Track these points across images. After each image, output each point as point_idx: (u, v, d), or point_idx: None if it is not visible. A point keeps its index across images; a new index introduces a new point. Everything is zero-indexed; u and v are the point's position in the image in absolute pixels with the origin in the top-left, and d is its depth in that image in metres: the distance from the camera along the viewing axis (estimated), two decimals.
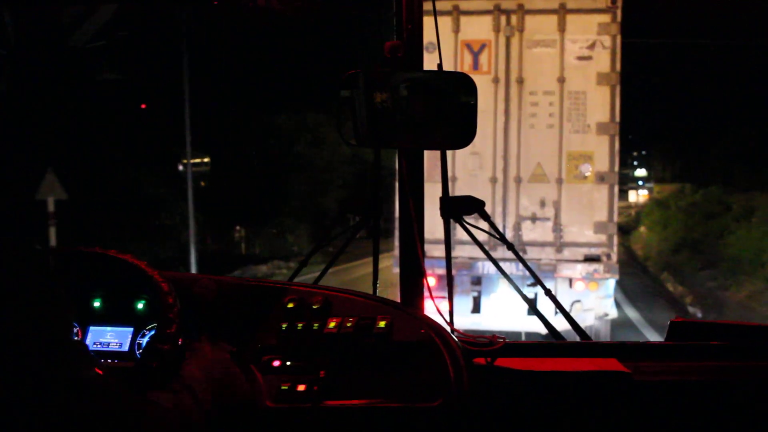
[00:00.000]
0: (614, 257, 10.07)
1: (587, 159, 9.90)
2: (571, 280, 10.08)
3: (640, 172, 63.07)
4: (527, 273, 2.58)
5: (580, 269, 9.99)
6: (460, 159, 9.93)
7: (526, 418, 2.11)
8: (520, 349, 2.23)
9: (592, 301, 10.07)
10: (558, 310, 2.58)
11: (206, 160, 23.87)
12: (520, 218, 10.12)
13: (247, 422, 1.97)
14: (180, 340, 1.89)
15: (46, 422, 1.35)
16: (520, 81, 9.94)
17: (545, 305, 9.58)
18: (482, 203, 2.34)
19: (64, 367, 1.39)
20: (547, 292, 2.51)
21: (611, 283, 10.26)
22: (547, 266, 10.00)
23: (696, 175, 29.70)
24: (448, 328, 2.17)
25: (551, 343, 2.30)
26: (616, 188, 10.06)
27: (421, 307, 2.36)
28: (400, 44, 2.22)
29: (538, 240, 10.10)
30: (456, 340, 2.05)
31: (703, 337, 2.25)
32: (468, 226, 2.37)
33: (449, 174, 9.53)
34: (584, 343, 2.31)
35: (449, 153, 2.54)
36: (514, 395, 2.10)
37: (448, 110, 2.23)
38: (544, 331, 2.53)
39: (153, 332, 2.13)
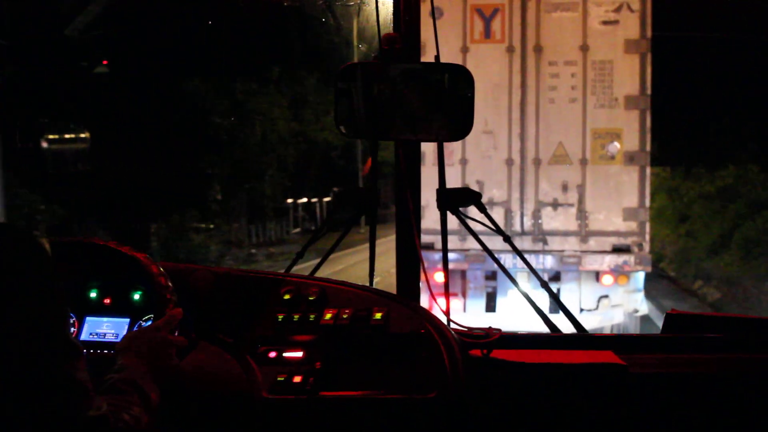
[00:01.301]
0: (646, 247, 10.28)
1: (615, 137, 10.11)
2: (597, 273, 10.23)
3: None
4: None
5: (608, 261, 10.16)
6: (472, 139, 9.96)
7: (521, 409, 2.46)
8: (516, 341, 2.59)
9: (621, 296, 10.24)
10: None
11: (83, 135, 19.45)
12: (539, 204, 10.32)
13: (243, 413, 2.29)
14: (176, 331, 2.23)
15: (35, 420, 1.56)
16: (538, 50, 10.12)
17: (570, 300, 9.91)
18: (479, 195, 2.71)
19: (57, 365, 1.60)
20: (543, 284, 2.85)
21: (641, 275, 10.43)
22: (571, 258, 10.17)
23: (694, 156, 27.43)
24: (445, 320, 2.52)
25: (547, 335, 2.66)
26: (648, 170, 10.23)
27: (417, 300, 2.70)
28: (397, 36, 2.58)
29: (560, 229, 10.30)
30: (452, 331, 2.40)
31: (699, 329, 2.60)
32: (465, 219, 2.73)
33: (459, 156, 9.94)
34: (580, 336, 2.67)
35: None
36: (509, 387, 2.45)
37: (446, 102, 2.57)
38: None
39: (149, 323, 2.46)
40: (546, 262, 10.09)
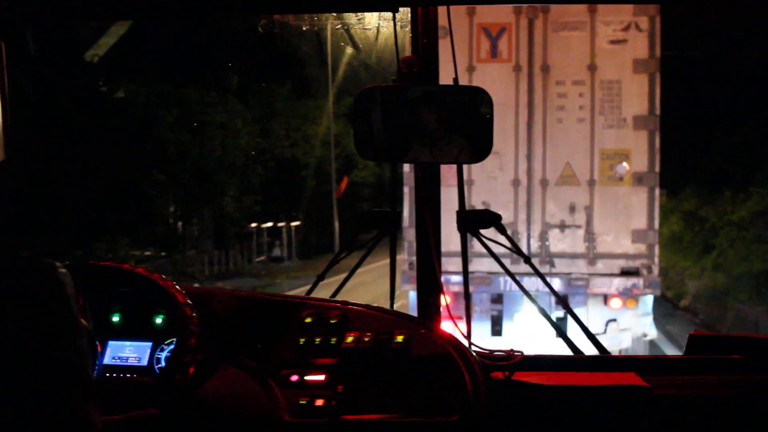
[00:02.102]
0: (655, 270, 10.34)
1: (623, 158, 10.18)
2: (605, 297, 10.31)
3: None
4: (555, 288, 2.95)
5: (617, 284, 10.24)
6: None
7: (544, 431, 2.50)
8: (537, 363, 2.63)
9: (629, 320, 10.30)
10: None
11: None
12: (546, 226, 10.38)
13: None
14: (199, 354, 2.28)
15: None
16: (546, 69, 10.21)
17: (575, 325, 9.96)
18: (499, 217, 2.76)
19: (73, 404, 1.61)
20: (565, 306, 2.90)
21: (650, 299, 10.49)
22: (579, 281, 10.23)
23: (690, 176, 25.89)
24: (466, 343, 2.57)
25: (569, 357, 2.70)
26: (657, 191, 10.31)
27: (438, 322, 2.75)
28: (415, 59, 2.65)
29: (567, 251, 10.36)
30: (473, 354, 2.44)
31: (721, 350, 2.64)
32: (486, 241, 2.78)
33: (464, 177, 9.95)
34: (603, 357, 2.71)
35: None
36: (532, 409, 2.48)
37: (464, 124, 2.62)
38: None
39: (172, 346, 2.53)
40: (553, 285, 10.07)
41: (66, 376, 1.61)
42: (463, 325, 2.69)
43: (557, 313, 10.39)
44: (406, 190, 10.41)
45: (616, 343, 10.15)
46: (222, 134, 25.17)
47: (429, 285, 2.76)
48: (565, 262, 10.32)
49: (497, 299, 10.34)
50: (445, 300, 2.71)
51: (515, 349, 2.54)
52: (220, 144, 25.23)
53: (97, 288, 2.49)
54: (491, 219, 2.78)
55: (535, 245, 10.30)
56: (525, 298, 10.30)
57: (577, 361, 2.68)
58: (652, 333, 10.86)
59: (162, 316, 2.60)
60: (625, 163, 10.19)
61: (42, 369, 1.57)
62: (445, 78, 2.75)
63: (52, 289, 1.64)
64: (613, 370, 2.59)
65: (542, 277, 2.95)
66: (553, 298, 10.24)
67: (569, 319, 10.08)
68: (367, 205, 38.16)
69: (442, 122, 2.59)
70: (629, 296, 10.26)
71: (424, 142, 2.59)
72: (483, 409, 2.27)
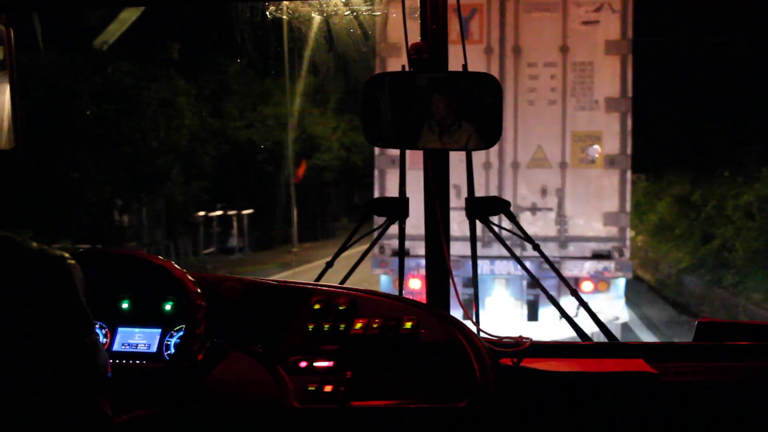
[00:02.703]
0: (627, 253, 10.48)
1: (595, 140, 10.29)
2: (577, 280, 10.39)
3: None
4: (525, 272, 3.01)
5: (588, 267, 10.37)
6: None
7: (552, 418, 2.54)
8: (546, 350, 2.68)
9: (601, 304, 10.32)
10: (560, 314, 2.98)
11: None
12: (518, 209, 10.41)
13: (274, 423, 2.37)
14: (208, 341, 2.31)
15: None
16: (517, 51, 10.28)
17: (549, 308, 10.05)
18: (508, 203, 2.81)
19: (84, 396, 1.62)
20: (572, 292, 2.96)
21: (622, 282, 10.60)
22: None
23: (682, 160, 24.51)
24: (474, 329, 2.62)
25: (578, 343, 2.76)
26: (629, 174, 10.42)
27: (446, 308, 2.80)
28: (424, 45, 2.68)
29: (539, 234, 10.36)
30: (482, 340, 2.49)
31: (730, 337, 2.70)
32: (493, 227, 2.83)
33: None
34: (611, 344, 2.77)
35: None
36: (540, 396, 2.53)
37: (473, 110, 2.67)
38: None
39: (181, 333, 2.56)
40: (525, 270, 10.12)
41: (77, 370, 1.61)
42: (471, 311, 2.73)
43: (529, 297, 10.52)
44: (376, 173, 10.44)
45: (587, 326, 10.21)
46: (164, 113, 22.64)
47: (438, 272, 2.81)
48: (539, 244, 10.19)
49: (468, 283, 10.39)
50: (454, 286, 2.75)
51: (524, 335, 2.59)
52: (163, 123, 22.77)
53: (107, 275, 2.52)
54: (500, 205, 2.83)
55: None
56: (496, 282, 10.46)
57: (585, 347, 2.73)
58: (624, 316, 10.97)
59: (171, 303, 2.62)
60: (596, 146, 10.30)
61: (53, 362, 1.57)
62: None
63: (61, 282, 1.63)
64: (621, 356, 2.65)
65: (551, 264, 3.01)
66: (525, 282, 10.38)
67: (539, 303, 10.30)
68: (332, 190, 37.07)
69: (452, 109, 2.63)
70: (601, 279, 10.38)
71: (433, 129, 2.63)
72: (491, 395, 2.32)
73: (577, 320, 2.90)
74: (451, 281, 2.78)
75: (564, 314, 2.88)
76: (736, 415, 2.52)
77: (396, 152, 9.25)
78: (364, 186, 24.56)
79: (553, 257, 10.22)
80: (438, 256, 2.78)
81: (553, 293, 8.93)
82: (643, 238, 26.25)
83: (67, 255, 1.66)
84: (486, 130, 2.65)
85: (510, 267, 10.23)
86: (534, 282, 2.98)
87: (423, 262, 2.87)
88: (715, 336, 2.72)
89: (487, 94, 2.68)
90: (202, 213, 27.06)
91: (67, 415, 1.58)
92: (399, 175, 2.93)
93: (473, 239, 2.90)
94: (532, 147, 10.40)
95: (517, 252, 9.52)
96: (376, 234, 3.08)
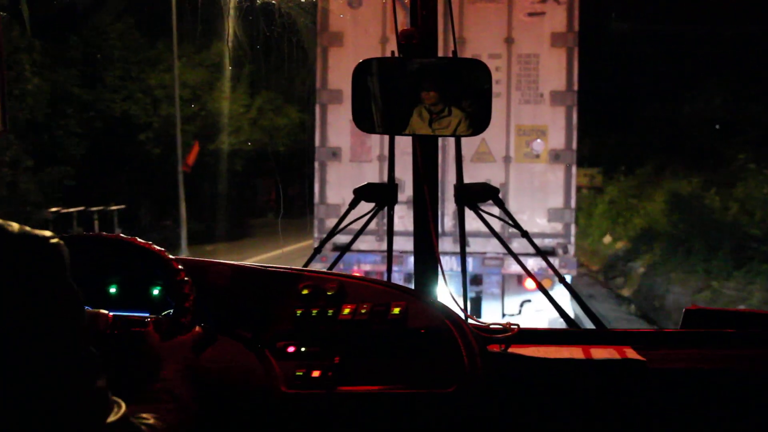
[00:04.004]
0: (571, 250, 10.66)
1: (540, 134, 10.44)
2: (520, 277, 10.58)
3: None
4: (468, 269, 3.12)
5: (532, 264, 10.30)
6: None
7: (539, 404, 2.63)
8: (534, 336, 2.78)
9: (545, 301, 10.34)
10: (550, 302, 3.10)
11: None
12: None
13: (262, 408, 2.44)
14: (198, 320, 2.38)
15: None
16: (461, 42, 10.30)
17: (492, 305, 10.16)
18: (497, 190, 2.91)
19: (75, 375, 1.62)
20: (561, 280, 3.07)
21: (567, 279, 10.64)
22: (493, 261, 10.43)
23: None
24: (462, 315, 2.71)
25: (566, 330, 2.86)
26: (574, 169, 10.58)
27: (434, 295, 2.88)
28: (414, 31, 2.77)
29: (481, 230, 10.22)
30: (470, 326, 2.58)
31: (717, 325, 2.82)
32: (484, 215, 2.92)
33: (377, 153, 10.02)
34: (598, 331, 2.88)
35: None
36: (527, 382, 2.62)
37: (463, 96, 2.76)
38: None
39: (169, 317, 2.60)
40: (468, 265, 10.23)
41: (68, 351, 1.62)
42: (459, 298, 2.82)
43: (470, 294, 10.63)
44: (316, 165, 10.48)
45: (531, 324, 10.35)
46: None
47: (426, 259, 2.89)
48: (479, 241, 10.37)
49: (408, 278, 10.44)
50: (442, 273, 2.83)
51: (511, 322, 2.68)
52: None
53: (93, 259, 2.56)
54: (489, 192, 2.92)
55: (449, 224, 10.39)
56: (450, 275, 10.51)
57: (572, 334, 2.83)
58: (570, 314, 11.07)
59: (159, 288, 2.67)
60: (540, 140, 10.43)
61: (46, 346, 1.58)
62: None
63: (49, 262, 1.62)
64: (609, 343, 2.74)
65: (542, 253, 3.11)
66: (468, 278, 10.48)
67: (483, 300, 10.39)
68: (254, 181, 33.23)
69: (441, 95, 2.71)
70: (544, 276, 10.36)
71: (423, 115, 2.71)
72: (479, 381, 2.39)
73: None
74: (439, 268, 2.86)
75: (552, 301, 2.98)
76: (723, 402, 2.62)
77: (337, 144, 9.26)
78: (298, 177, 22.18)
79: (497, 254, 10.28)
80: (426, 243, 2.86)
81: (495, 289, 9.05)
82: (624, 245, 24.09)
83: (50, 234, 1.64)
84: (475, 116, 2.74)
85: (453, 263, 10.34)
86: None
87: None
88: (702, 323, 2.82)
89: (477, 80, 2.77)
90: (54, 209, 22.54)
91: (62, 401, 1.59)
92: (388, 162, 3.01)
93: (461, 226, 2.99)
94: (476, 141, 10.44)
95: (457, 248, 9.56)
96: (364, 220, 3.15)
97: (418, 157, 2.83)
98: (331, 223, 10.55)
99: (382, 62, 2.78)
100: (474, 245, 10.34)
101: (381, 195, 2.99)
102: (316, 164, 10.40)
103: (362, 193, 3.06)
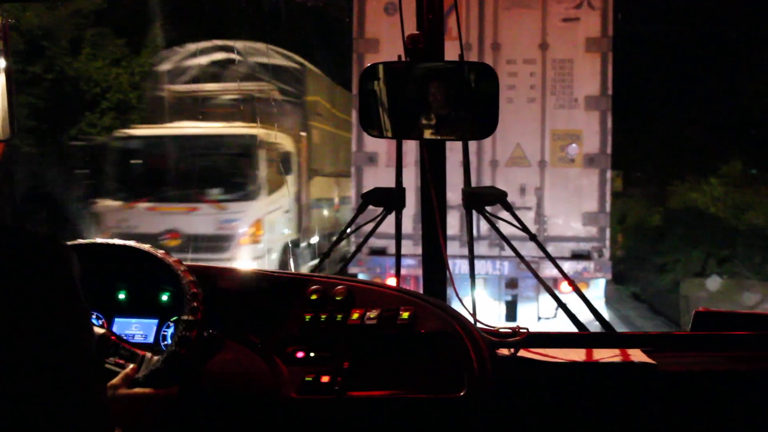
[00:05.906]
0: (606, 253, 10.55)
1: (574, 139, 10.37)
2: (556, 280, 10.45)
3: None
4: (504, 272, 3.09)
5: (567, 268, 10.30)
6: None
7: (550, 408, 2.58)
8: (543, 340, 2.73)
9: (581, 304, 10.30)
10: (557, 304, 3.06)
11: None
12: (496, 208, 10.34)
13: (271, 413, 2.40)
14: (205, 332, 2.35)
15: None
16: (496, 47, 10.33)
17: (527, 308, 10.13)
18: (504, 194, 2.87)
19: (82, 387, 1.56)
20: (571, 283, 3.02)
21: (602, 283, 10.71)
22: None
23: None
24: (471, 319, 2.67)
25: (575, 333, 2.81)
26: (609, 173, 10.50)
27: (444, 298, 2.84)
28: (420, 35, 2.74)
29: (516, 234, 10.26)
30: (479, 330, 2.54)
31: (727, 327, 2.75)
32: (492, 219, 2.88)
33: (414, 158, 10.00)
34: (608, 334, 2.82)
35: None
36: (537, 386, 2.57)
37: (470, 100, 2.72)
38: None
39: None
40: (503, 269, 10.25)
41: (74, 359, 1.57)
42: (468, 302, 2.78)
43: (506, 297, 10.59)
44: (353, 170, 10.49)
45: (565, 327, 10.28)
46: None
47: (434, 262, 2.85)
48: (514, 244, 10.18)
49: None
50: (451, 277, 2.79)
51: (521, 326, 2.63)
52: None
53: (102, 265, 2.55)
54: (497, 196, 2.88)
55: (484, 227, 10.40)
56: (477, 280, 10.51)
57: (582, 337, 2.78)
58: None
59: (168, 294, 2.65)
60: (575, 144, 10.37)
61: (50, 352, 1.52)
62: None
63: (55, 267, 1.56)
64: (619, 346, 2.69)
65: (550, 256, 3.07)
66: (503, 282, 10.45)
67: (518, 304, 10.35)
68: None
69: (448, 99, 2.67)
70: (580, 280, 10.41)
71: (430, 119, 2.67)
72: (489, 385, 2.33)
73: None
74: (447, 272, 2.82)
75: (561, 304, 2.93)
76: (734, 405, 2.56)
77: (373, 149, 9.24)
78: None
79: (532, 257, 10.15)
80: (434, 247, 2.83)
81: (531, 293, 9.02)
82: None
83: (59, 239, 1.61)
84: (483, 120, 2.69)
85: (488, 267, 10.29)
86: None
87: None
88: (712, 326, 2.76)
89: (484, 84, 2.73)
90: None
91: (63, 406, 1.53)
92: (396, 166, 2.98)
93: (470, 230, 2.95)
94: (511, 145, 10.43)
95: (495, 252, 9.56)
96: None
97: (425, 161, 2.80)
98: (368, 228, 10.55)
99: (389, 66, 2.74)
100: (508, 249, 10.22)
101: (389, 199, 2.96)
102: (353, 169, 10.40)
103: (370, 198, 3.03)
